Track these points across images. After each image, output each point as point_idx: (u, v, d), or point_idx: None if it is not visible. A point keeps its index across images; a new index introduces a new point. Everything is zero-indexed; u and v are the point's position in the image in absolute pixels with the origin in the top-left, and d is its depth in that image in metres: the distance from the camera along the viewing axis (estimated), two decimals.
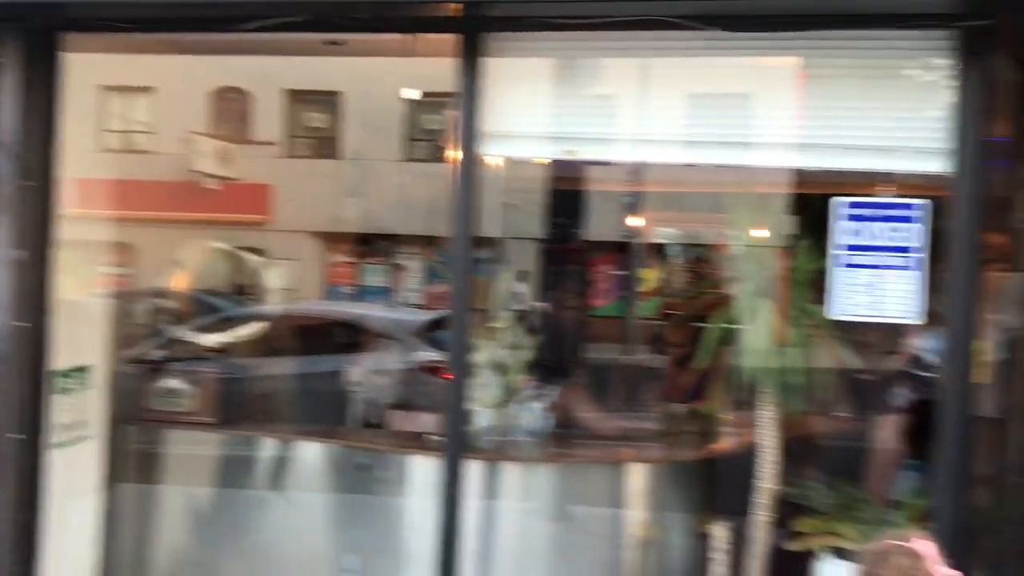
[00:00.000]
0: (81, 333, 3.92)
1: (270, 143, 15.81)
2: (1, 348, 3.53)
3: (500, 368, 4.11)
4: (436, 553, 3.47)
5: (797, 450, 4.12)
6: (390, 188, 14.99)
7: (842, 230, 3.34)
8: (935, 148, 3.30)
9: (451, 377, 6.82)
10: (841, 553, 3.94)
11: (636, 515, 4.25)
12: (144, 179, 6.08)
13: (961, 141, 3.21)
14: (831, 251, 3.34)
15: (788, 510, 3.99)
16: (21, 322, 3.57)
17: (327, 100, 16.46)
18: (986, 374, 3.51)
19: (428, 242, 16.11)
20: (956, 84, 3.21)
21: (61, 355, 3.78)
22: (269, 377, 5.09)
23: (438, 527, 3.46)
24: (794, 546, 4.00)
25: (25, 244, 3.60)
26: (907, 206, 3.32)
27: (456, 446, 3.48)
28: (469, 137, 3.50)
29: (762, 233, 4.00)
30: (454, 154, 3.63)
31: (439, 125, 16.31)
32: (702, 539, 4.21)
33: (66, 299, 3.82)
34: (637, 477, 4.26)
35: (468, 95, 3.47)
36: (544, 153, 3.94)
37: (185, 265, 4.43)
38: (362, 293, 16.06)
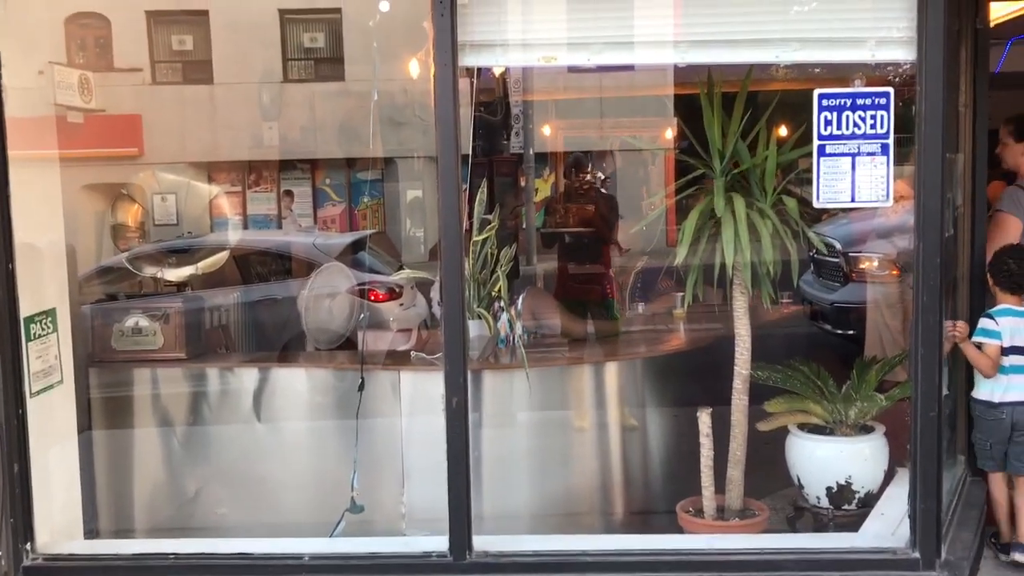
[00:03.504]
0: (42, 275, 3.73)
1: (136, 70, 14.95)
2: None
3: (481, 280, 4.14)
4: (447, 467, 3.52)
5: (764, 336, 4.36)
6: (273, 112, 14.50)
7: (820, 121, 3.49)
8: (898, 38, 3.47)
9: (381, 297, 6.78)
10: (807, 428, 4.23)
11: (617, 411, 4.43)
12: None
13: (926, 28, 3.38)
14: (815, 142, 3.49)
15: (757, 393, 4.23)
16: None
17: (193, 20, 15.62)
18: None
19: (316, 165, 15.76)
20: None
21: (26, 300, 3.59)
22: (222, 308, 4.97)
23: (448, 440, 3.50)
24: (766, 426, 4.26)
25: None
26: (877, 94, 3.49)
27: (459, 358, 3.51)
28: (450, 48, 3.44)
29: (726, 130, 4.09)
30: (432, 67, 3.56)
31: (319, 43, 15.79)
32: (681, 428, 4.42)
33: (22, 241, 3.61)
34: (616, 375, 4.42)
35: (447, 3, 3.41)
36: (521, 61, 3.91)
37: (135, 198, 4.23)
38: (250, 222, 15.64)
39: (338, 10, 14.80)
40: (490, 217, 4.54)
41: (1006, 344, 3.99)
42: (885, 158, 3.49)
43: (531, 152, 15.07)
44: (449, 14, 3.44)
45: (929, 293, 3.48)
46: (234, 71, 15.07)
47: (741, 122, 3.97)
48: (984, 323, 4.05)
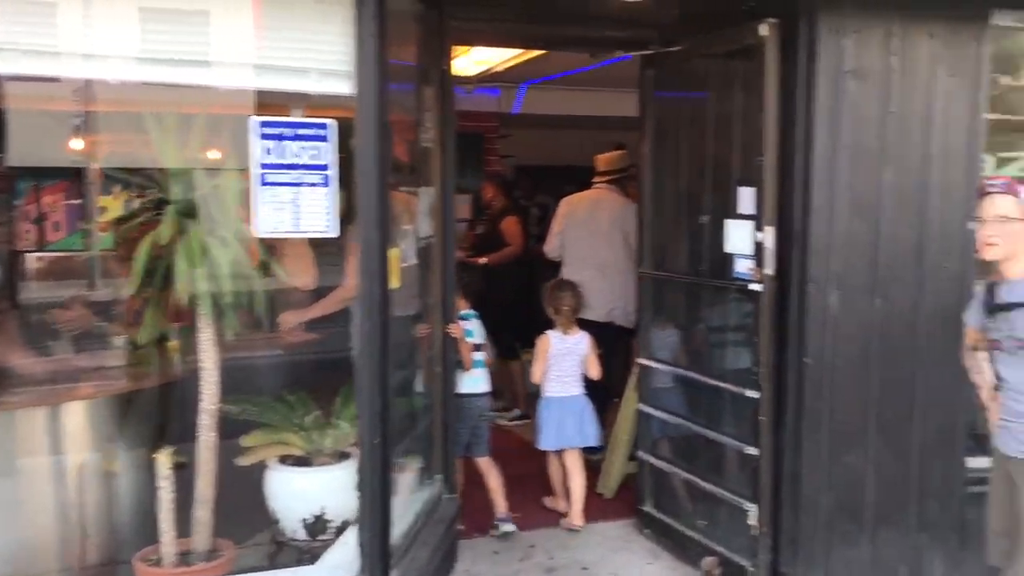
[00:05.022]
0: None
1: None
2: None
3: None
4: None
5: (240, 368, 4.22)
6: None
7: (259, 149, 3.42)
8: (340, 70, 3.51)
9: None
10: (290, 460, 4.16)
11: (81, 456, 4.04)
12: None
13: (361, 64, 3.45)
14: (253, 170, 3.40)
15: (239, 428, 4.08)
16: None
17: None
18: (397, 279, 3.89)
19: None
20: (354, 10, 3.42)
21: None
22: None
23: None
24: (245, 460, 4.11)
25: None
26: (317, 125, 3.49)
27: None
28: None
29: (199, 153, 3.92)
30: None
31: None
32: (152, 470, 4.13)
33: None
34: (77, 417, 4.03)
35: None
36: None
37: None
38: None
39: None
40: None
41: (477, 341, 5.12)
42: (326, 189, 3.51)
43: (95, 167, 13.92)
44: None
45: (371, 324, 3.54)
46: None
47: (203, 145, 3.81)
48: (464, 325, 5.06)
